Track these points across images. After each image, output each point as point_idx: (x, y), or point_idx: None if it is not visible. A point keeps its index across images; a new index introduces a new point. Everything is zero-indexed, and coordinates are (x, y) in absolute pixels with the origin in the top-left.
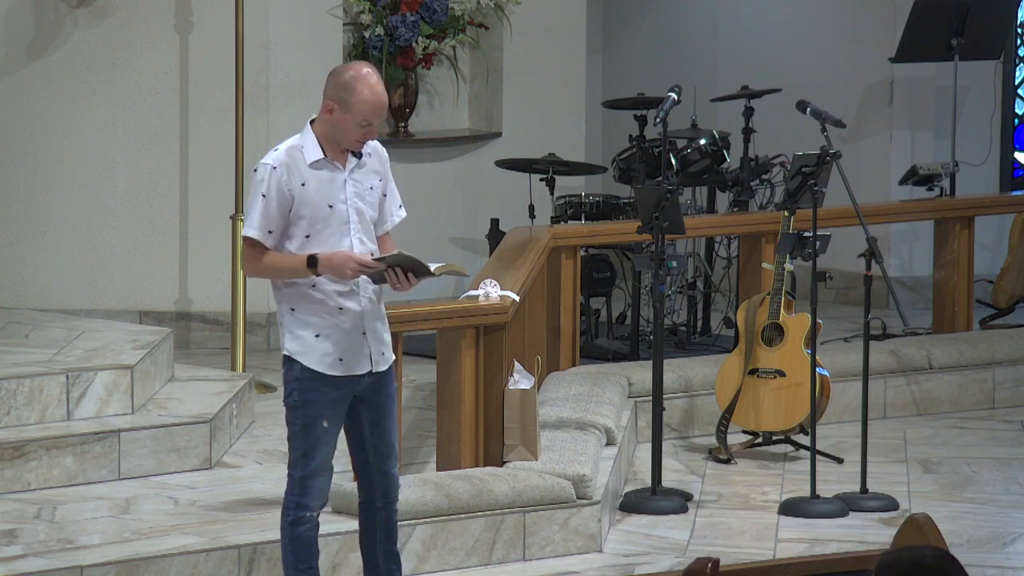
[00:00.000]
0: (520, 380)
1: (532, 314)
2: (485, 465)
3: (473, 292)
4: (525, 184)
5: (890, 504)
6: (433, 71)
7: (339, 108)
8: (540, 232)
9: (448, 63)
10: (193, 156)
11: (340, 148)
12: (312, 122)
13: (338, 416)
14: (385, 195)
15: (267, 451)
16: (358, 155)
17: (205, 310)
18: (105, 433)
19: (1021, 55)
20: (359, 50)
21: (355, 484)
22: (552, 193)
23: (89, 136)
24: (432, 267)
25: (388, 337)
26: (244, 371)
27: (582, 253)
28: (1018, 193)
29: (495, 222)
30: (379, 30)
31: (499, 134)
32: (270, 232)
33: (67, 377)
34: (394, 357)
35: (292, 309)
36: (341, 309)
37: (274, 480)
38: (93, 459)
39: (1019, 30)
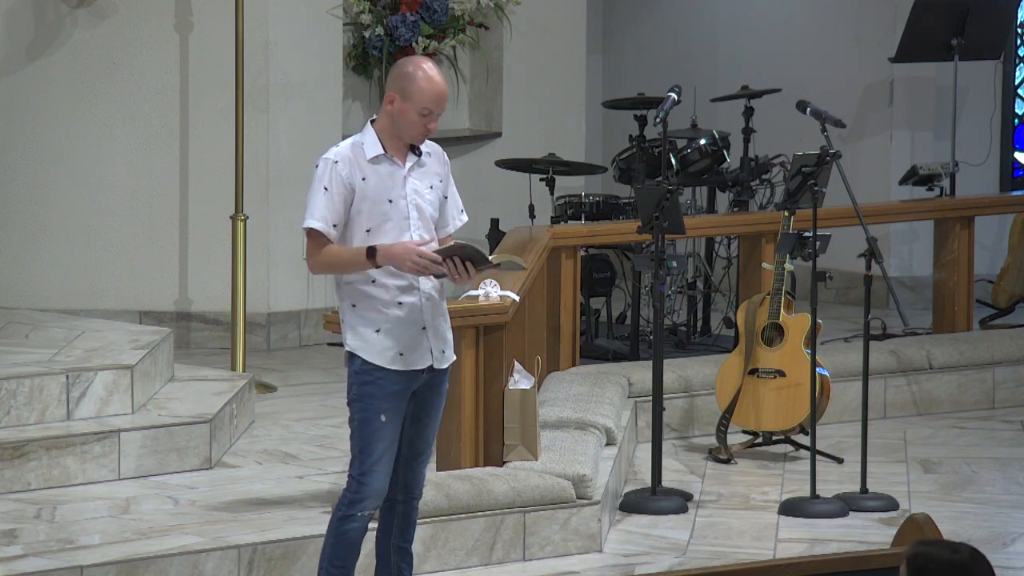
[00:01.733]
0: (520, 380)
1: (532, 314)
2: (485, 465)
3: (473, 292)
4: (525, 184)
5: (890, 504)
6: None
7: (400, 98)
8: (540, 232)
9: (448, 63)
10: (193, 156)
11: (402, 141)
12: (373, 121)
13: (397, 411)
14: (446, 197)
15: (267, 451)
16: (418, 153)
17: (205, 310)
18: (105, 433)
19: (1021, 55)
20: (359, 50)
21: None
22: (552, 193)
23: (89, 136)
24: (490, 257)
25: (450, 336)
26: (244, 371)
27: (582, 253)
28: (1018, 193)
29: (495, 222)
30: (379, 30)
31: (499, 134)
32: (335, 226)
33: (67, 377)
34: (455, 357)
35: (353, 305)
36: (400, 304)
37: (274, 480)
38: (93, 459)
39: (1019, 30)
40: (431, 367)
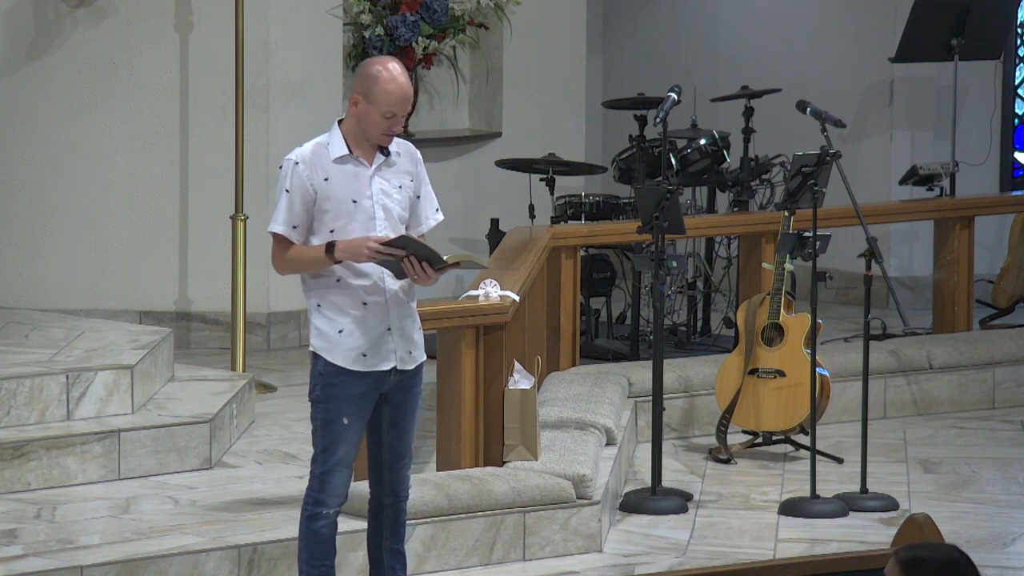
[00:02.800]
0: (520, 380)
1: (532, 314)
2: (485, 465)
3: (473, 292)
4: (525, 184)
5: (890, 504)
6: (433, 71)
7: (364, 100)
8: (540, 232)
9: (448, 63)
10: (193, 156)
11: (368, 142)
12: (341, 122)
13: (360, 413)
14: (419, 197)
15: (267, 451)
16: (386, 153)
17: (205, 310)
18: (105, 433)
19: (1021, 55)
20: (359, 50)
21: (360, 483)
22: (552, 193)
23: (89, 136)
24: (445, 257)
25: (419, 337)
26: (244, 371)
27: (582, 253)
28: (1018, 193)
29: (495, 222)
30: (379, 30)
31: (499, 134)
32: (295, 227)
33: (67, 377)
34: (424, 358)
35: (318, 305)
36: (365, 304)
37: (274, 480)
38: (93, 459)
39: (1019, 30)
40: (397, 369)
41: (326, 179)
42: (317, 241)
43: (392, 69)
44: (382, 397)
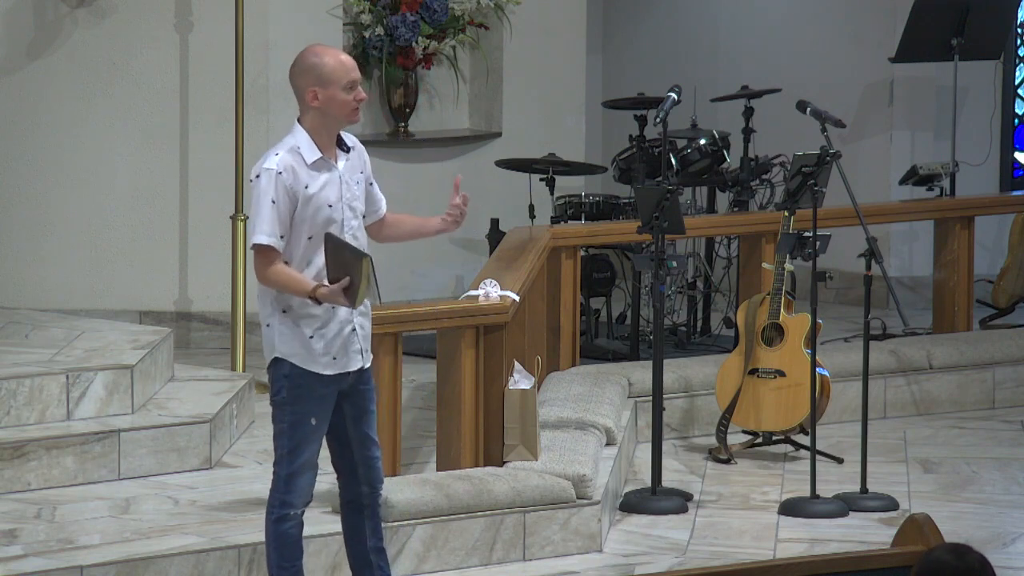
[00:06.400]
0: (520, 380)
1: (532, 314)
2: (485, 465)
3: (473, 292)
4: (525, 184)
5: (890, 504)
6: (433, 71)
7: (321, 88)
8: (540, 232)
9: (448, 63)
10: (193, 156)
11: (337, 128)
12: (300, 120)
13: (326, 414)
14: (371, 184)
15: (267, 451)
16: (345, 149)
17: (205, 310)
18: (105, 433)
19: (1021, 55)
20: (359, 50)
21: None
22: (552, 193)
23: (89, 136)
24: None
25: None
26: (244, 371)
27: (582, 253)
28: (1018, 193)
29: (495, 222)
30: (379, 30)
31: (499, 134)
32: (281, 237)
33: (67, 377)
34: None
35: (284, 311)
36: (333, 308)
37: None
38: (93, 459)
39: (1019, 30)
40: (360, 368)
41: (306, 187)
42: (296, 248)
43: (322, 48)
44: (342, 396)
